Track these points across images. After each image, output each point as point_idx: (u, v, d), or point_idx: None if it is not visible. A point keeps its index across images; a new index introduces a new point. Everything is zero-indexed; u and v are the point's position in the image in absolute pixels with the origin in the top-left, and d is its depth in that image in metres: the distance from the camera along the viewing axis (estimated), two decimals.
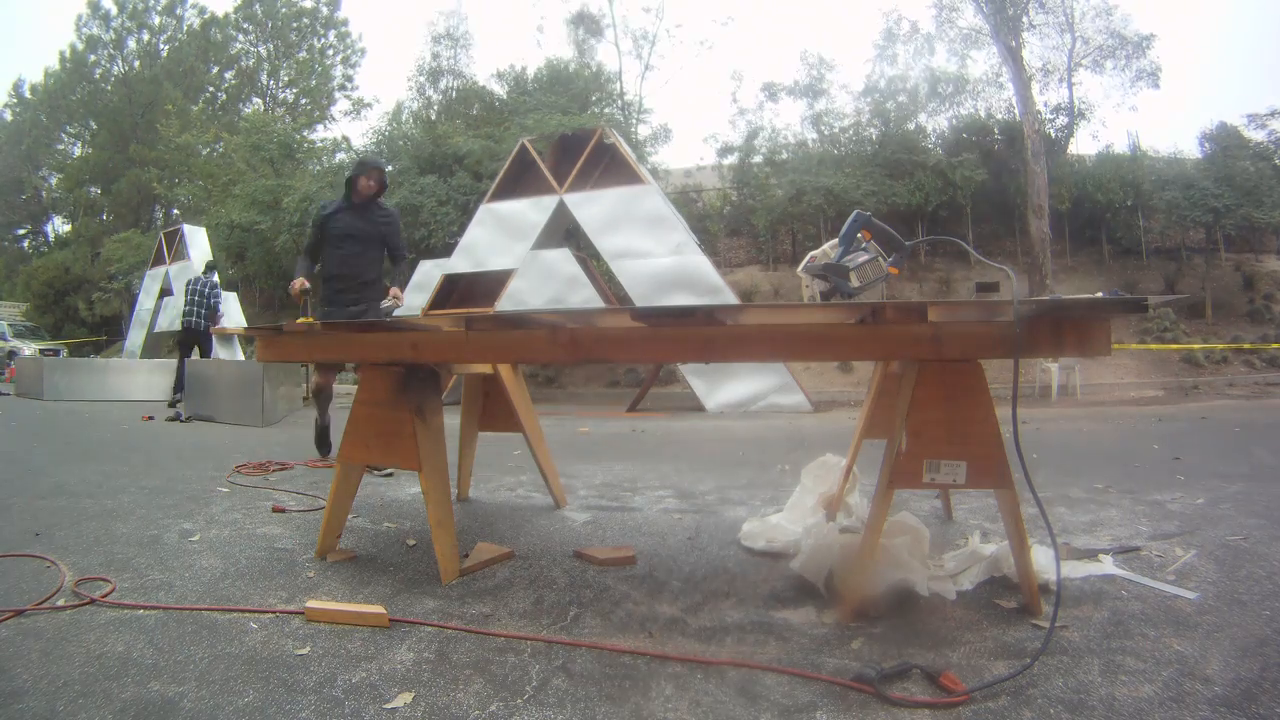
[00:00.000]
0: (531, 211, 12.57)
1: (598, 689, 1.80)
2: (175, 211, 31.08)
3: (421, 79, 25.89)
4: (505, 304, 12.08)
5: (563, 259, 12.27)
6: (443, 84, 25.80)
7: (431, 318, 3.16)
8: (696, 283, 11.18)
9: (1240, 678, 1.74)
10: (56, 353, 21.97)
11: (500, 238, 12.74)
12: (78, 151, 39.22)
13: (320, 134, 31.33)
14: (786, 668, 1.87)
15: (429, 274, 13.36)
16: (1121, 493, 3.95)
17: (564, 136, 14.01)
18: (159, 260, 19.56)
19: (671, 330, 2.34)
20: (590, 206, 12.20)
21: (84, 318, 30.11)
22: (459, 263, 12.97)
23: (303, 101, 36.87)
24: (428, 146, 20.01)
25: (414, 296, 13.20)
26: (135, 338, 19.94)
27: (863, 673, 1.77)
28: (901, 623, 2.16)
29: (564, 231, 13.77)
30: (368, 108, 34.62)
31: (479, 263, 12.73)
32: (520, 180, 13.13)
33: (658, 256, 11.56)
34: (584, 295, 11.78)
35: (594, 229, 12.19)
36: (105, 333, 28.87)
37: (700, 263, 11.51)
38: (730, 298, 11.19)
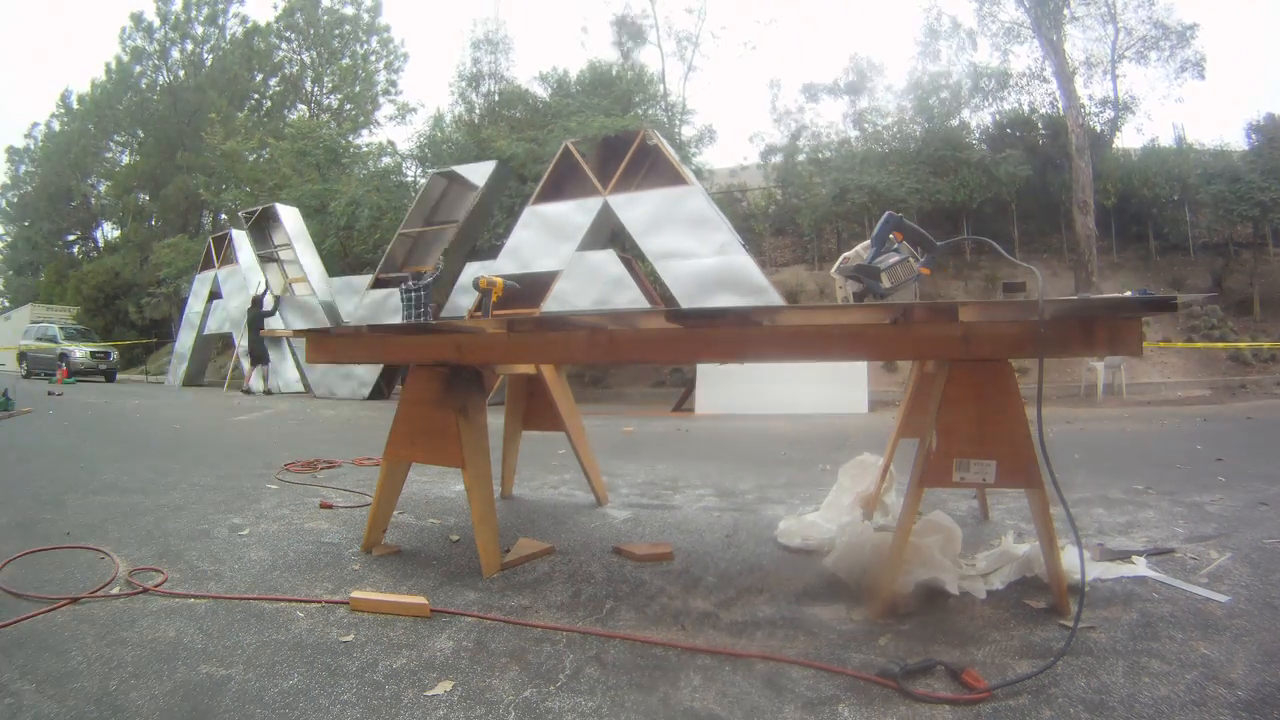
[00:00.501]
0: (576, 213, 12.64)
1: (628, 678, 1.87)
2: (223, 216, 31.69)
3: (462, 84, 26.10)
4: (551, 305, 12.16)
5: (608, 260, 12.30)
6: (484, 88, 25.97)
7: (476, 320, 3.23)
8: (741, 283, 11.15)
9: (1265, 682, 1.73)
10: (107, 355, 22.53)
11: (546, 240, 12.83)
12: (125, 159, 40.30)
13: (365, 138, 31.71)
14: (812, 661, 1.92)
15: (475, 276, 13.41)
16: (1161, 494, 3.91)
17: (607, 138, 14.04)
18: (208, 264, 20.00)
19: (706, 331, 2.40)
20: (634, 208, 12.23)
21: (134, 320, 30.88)
22: (505, 265, 13.01)
23: (347, 107, 37.35)
24: (472, 150, 20.18)
25: (461, 298, 13.38)
26: (185, 339, 20.43)
27: (887, 668, 1.81)
28: (930, 620, 2.19)
29: (609, 233, 13.80)
30: (412, 112, 34.89)
31: (525, 264, 12.77)
32: (564, 182, 13.18)
33: (702, 257, 11.53)
34: (629, 296, 11.78)
35: (638, 230, 12.20)
36: (155, 335, 29.59)
37: (745, 263, 11.47)
38: (775, 298, 11.13)
